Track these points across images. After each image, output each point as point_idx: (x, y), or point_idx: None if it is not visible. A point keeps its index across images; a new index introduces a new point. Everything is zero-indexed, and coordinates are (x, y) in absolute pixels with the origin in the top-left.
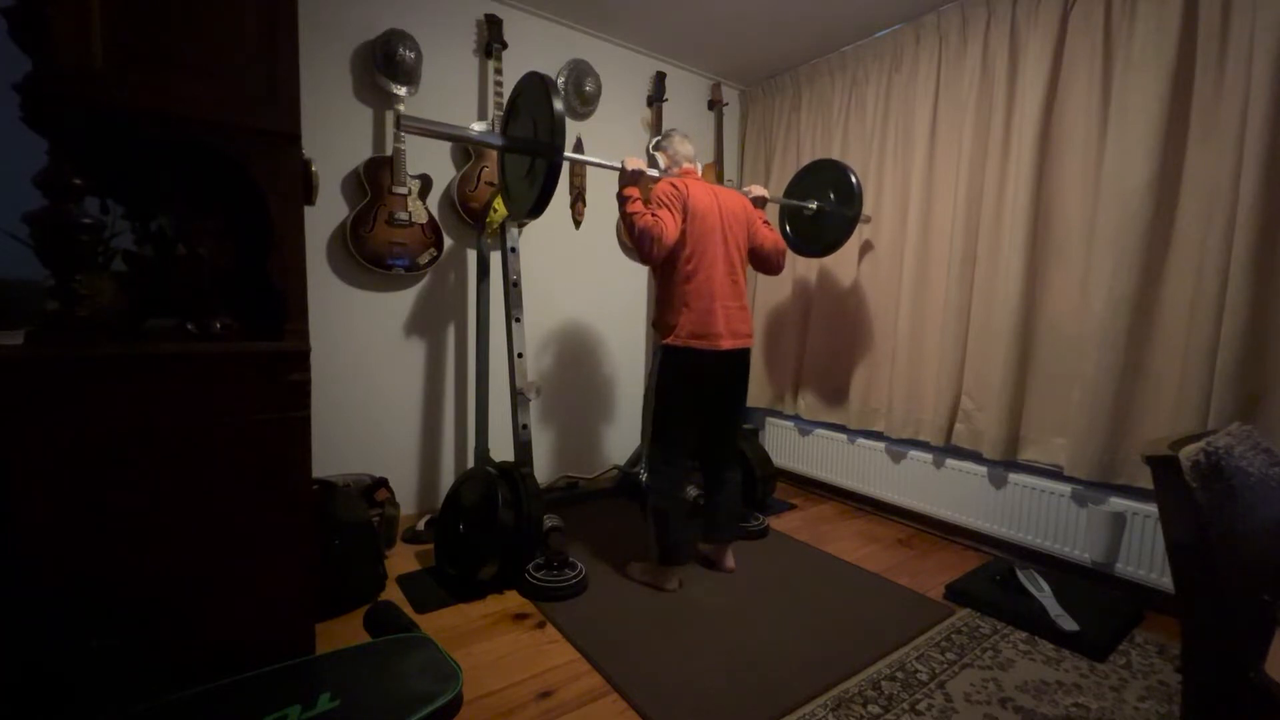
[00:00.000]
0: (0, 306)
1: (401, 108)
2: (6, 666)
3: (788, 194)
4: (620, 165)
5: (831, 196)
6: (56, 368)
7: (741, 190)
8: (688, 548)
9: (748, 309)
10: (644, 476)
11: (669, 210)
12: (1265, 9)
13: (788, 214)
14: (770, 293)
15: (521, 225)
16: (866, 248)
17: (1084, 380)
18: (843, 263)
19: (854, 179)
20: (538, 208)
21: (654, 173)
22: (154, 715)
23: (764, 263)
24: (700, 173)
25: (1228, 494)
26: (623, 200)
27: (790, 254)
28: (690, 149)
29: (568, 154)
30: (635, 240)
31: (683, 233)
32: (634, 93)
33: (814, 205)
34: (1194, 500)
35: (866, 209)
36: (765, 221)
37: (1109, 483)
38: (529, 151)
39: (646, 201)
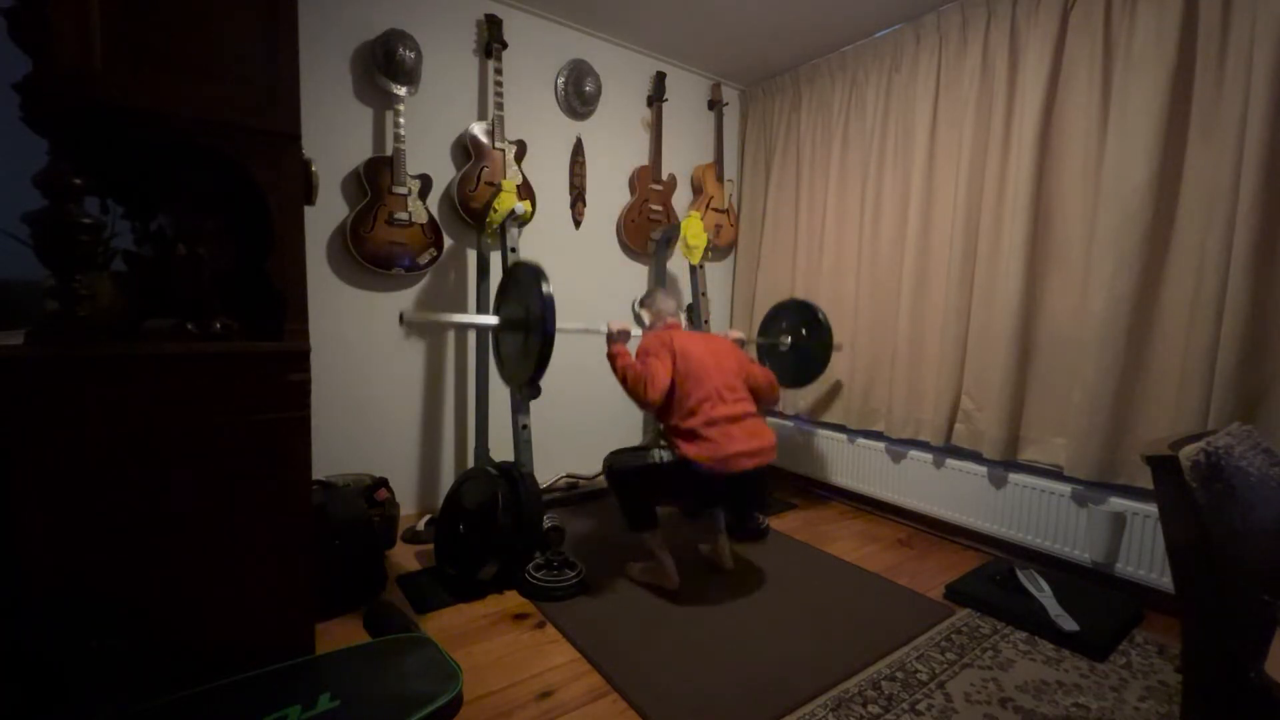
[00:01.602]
0: (0, 306)
1: (402, 107)
2: (6, 666)
3: (761, 333)
4: (606, 330)
5: (803, 333)
6: (56, 368)
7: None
8: (653, 510)
9: (764, 424)
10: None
11: (656, 357)
12: (1265, 9)
13: (764, 352)
14: (770, 292)
15: (522, 225)
16: (867, 246)
17: (1084, 380)
18: (843, 263)
19: (820, 315)
20: (535, 378)
21: (637, 332)
22: (154, 715)
23: (759, 396)
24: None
25: (1228, 494)
26: (612, 358)
27: (790, 253)
28: (673, 304)
29: (560, 326)
30: (631, 391)
31: (677, 373)
32: (634, 93)
33: (788, 341)
34: (1194, 500)
35: (867, 209)
36: (751, 360)
37: (1109, 483)
38: (524, 328)
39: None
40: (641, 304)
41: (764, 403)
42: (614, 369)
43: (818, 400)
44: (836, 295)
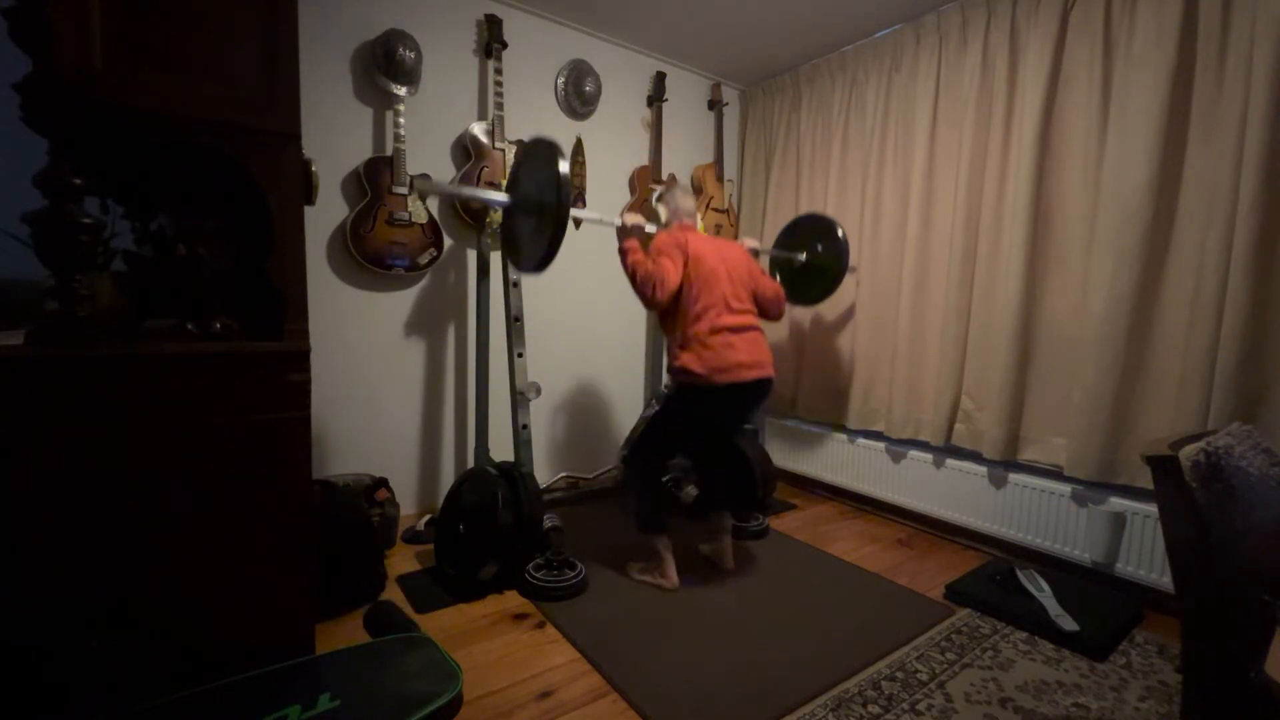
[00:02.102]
0: (0, 306)
1: (401, 107)
2: (6, 667)
3: (777, 245)
4: (619, 222)
5: (819, 249)
6: (56, 368)
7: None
8: (665, 516)
9: (765, 339)
10: (623, 453)
11: (668, 257)
12: (1265, 9)
13: (777, 265)
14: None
15: None
16: (867, 246)
17: (1084, 380)
18: None
19: (841, 232)
20: (544, 261)
21: (651, 228)
22: (154, 715)
23: (764, 308)
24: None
25: (1228, 494)
26: (623, 253)
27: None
28: (691, 204)
29: (574, 212)
30: (639, 288)
31: (686, 276)
32: (634, 93)
33: (802, 257)
34: (1194, 500)
35: (867, 209)
36: (762, 271)
37: (1109, 483)
38: (536, 210)
39: (646, 252)
40: (660, 199)
41: (768, 316)
42: (624, 264)
43: (818, 399)
44: (836, 295)
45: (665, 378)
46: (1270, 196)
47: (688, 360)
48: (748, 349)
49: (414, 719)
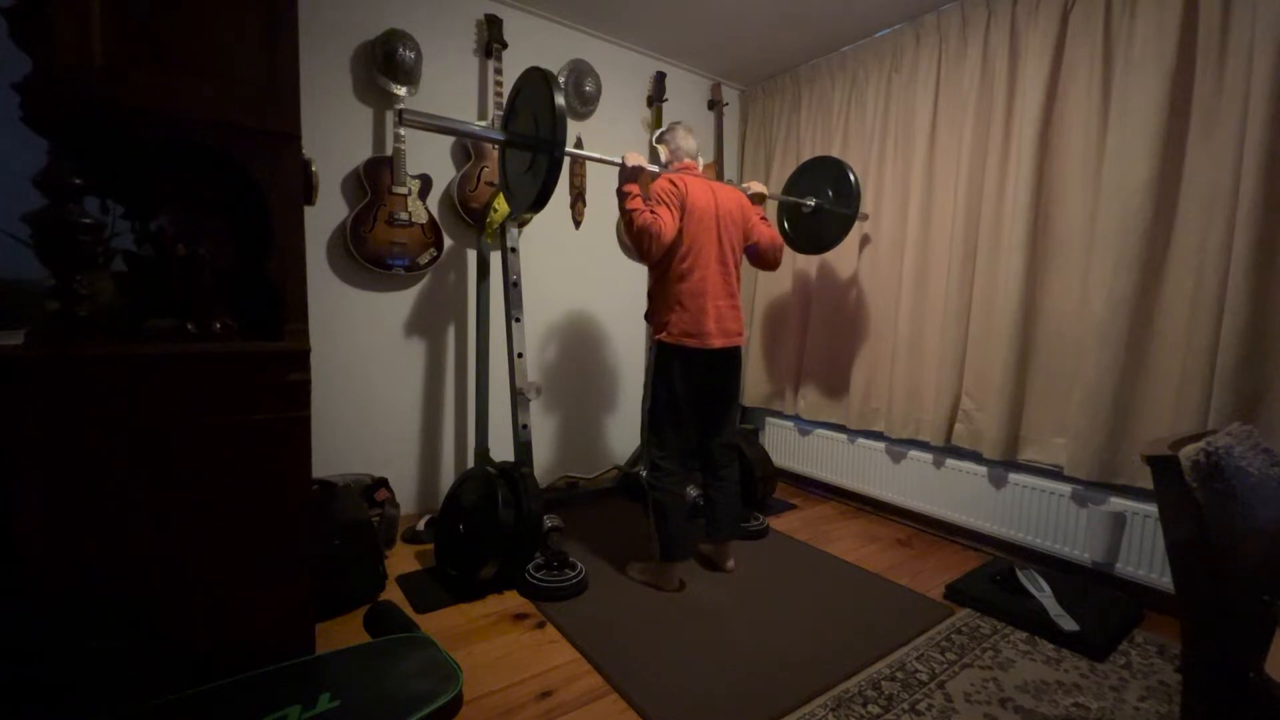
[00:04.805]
0: (0, 306)
1: (401, 107)
2: (6, 667)
3: (786, 190)
4: (620, 161)
5: (830, 194)
6: (57, 368)
7: (740, 187)
8: (688, 544)
9: (739, 308)
10: (644, 474)
11: (667, 208)
12: (1265, 9)
13: (786, 211)
14: (770, 291)
15: (522, 225)
16: (866, 245)
17: (1084, 380)
18: (843, 261)
19: (853, 177)
20: (539, 202)
21: (654, 168)
22: (154, 715)
23: (760, 258)
24: (701, 168)
25: (1228, 494)
26: (622, 196)
27: (790, 251)
28: (693, 144)
29: (569, 149)
30: (634, 237)
31: (679, 231)
32: (634, 93)
33: (812, 202)
34: (1194, 500)
35: (867, 210)
36: (763, 218)
37: (1109, 483)
38: (530, 146)
39: (646, 198)
40: (660, 139)
41: (764, 266)
42: (621, 208)
43: (818, 399)
44: (837, 295)
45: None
46: (1270, 196)
47: (665, 315)
48: (718, 317)
49: (414, 719)
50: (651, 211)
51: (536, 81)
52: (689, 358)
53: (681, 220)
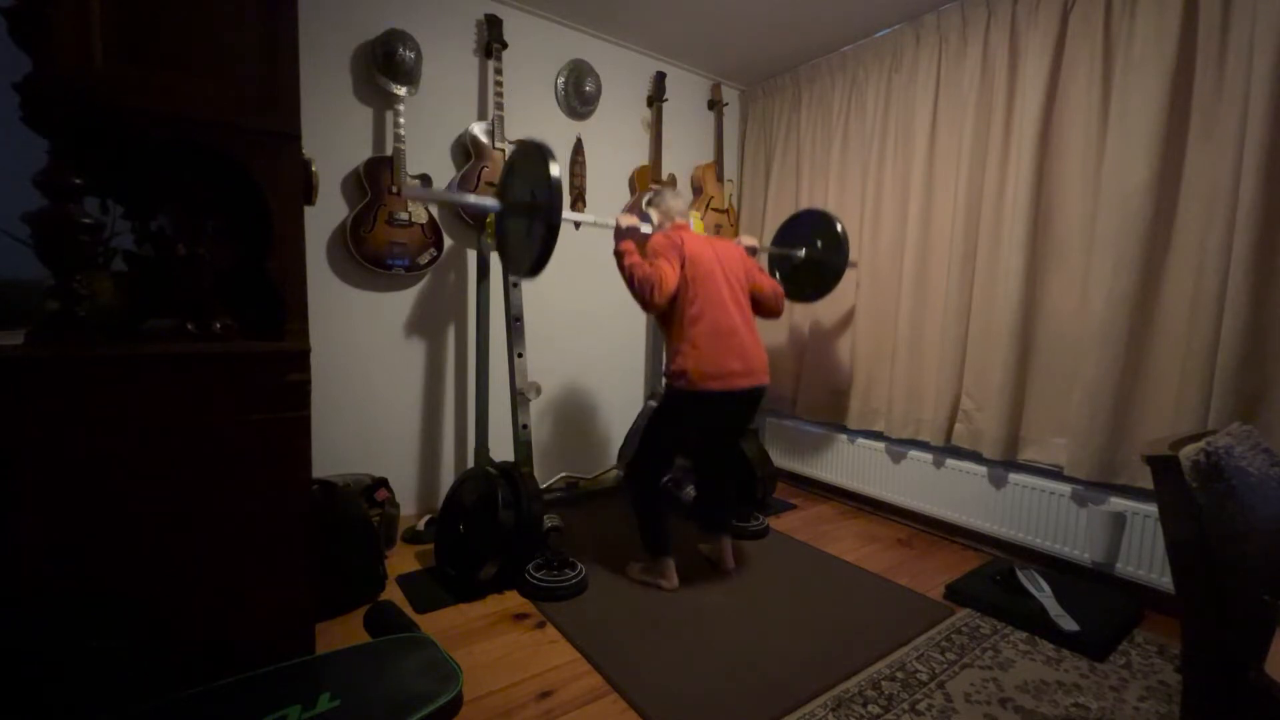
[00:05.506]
0: (0, 306)
1: (401, 107)
2: (6, 667)
3: (775, 242)
4: (614, 224)
5: (818, 245)
6: (56, 368)
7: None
8: (670, 535)
9: (761, 343)
10: (621, 472)
11: (665, 259)
12: (1265, 9)
13: (776, 262)
14: None
15: None
16: (866, 246)
17: (1084, 380)
18: None
19: (839, 227)
20: (536, 267)
21: (647, 228)
22: (154, 715)
23: (763, 306)
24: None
25: (1228, 494)
26: (619, 255)
27: None
28: (682, 204)
29: (566, 215)
30: (636, 289)
31: (683, 278)
32: (634, 93)
33: (802, 253)
34: (1194, 500)
35: (867, 209)
36: (760, 269)
37: (1109, 483)
38: (528, 214)
39: (643, 255)
40: (650, 204)
41: (768, 314)
42: (620, 267)
43: (818, 399)
44: (836, 292)
45: (663, 381)
46: (1270, 196)
47: (683, 363)
48: (742, 354)
49: (414, 719)
50: (650, 264)
51: (532, 153)
52: (709, 402)
53: (684, 268)
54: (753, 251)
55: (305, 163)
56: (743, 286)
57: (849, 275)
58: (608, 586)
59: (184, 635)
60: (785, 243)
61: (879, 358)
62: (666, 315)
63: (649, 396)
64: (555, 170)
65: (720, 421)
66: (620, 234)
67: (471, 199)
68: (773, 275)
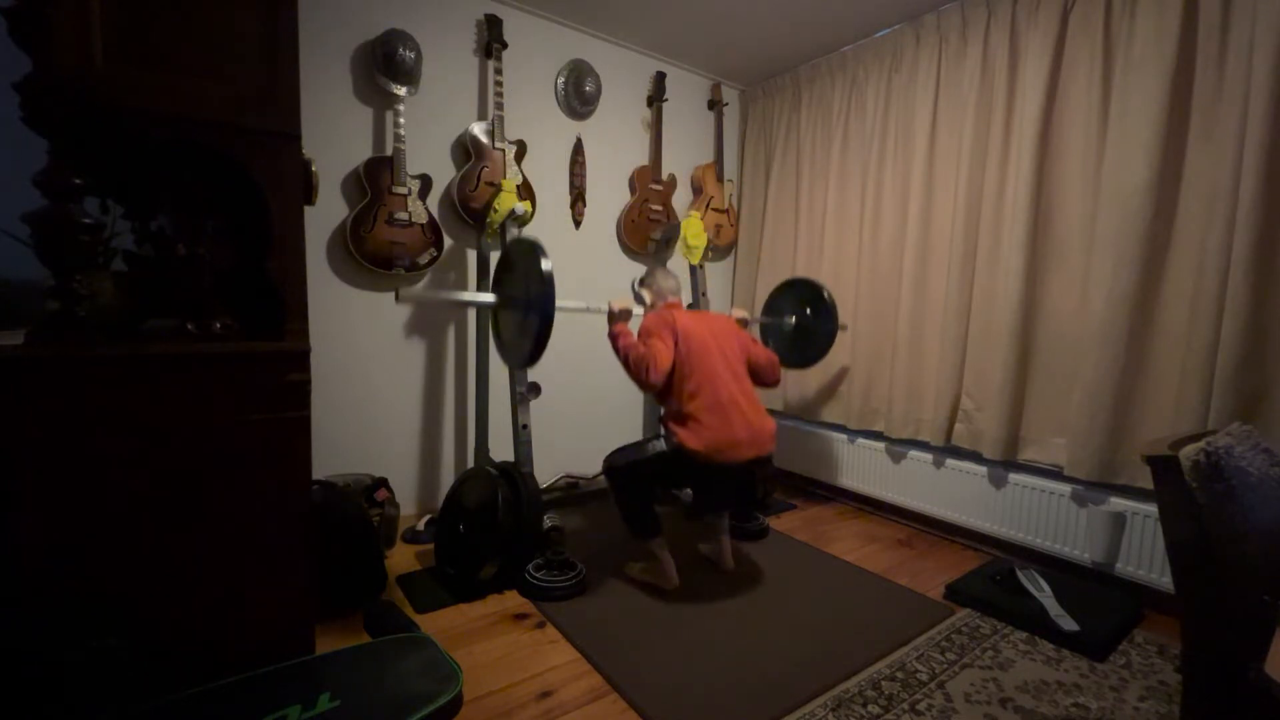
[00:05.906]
0: (0, 306)
1: (401, 107)
2: (6, 667)
3: (765, 312)
4: (607, 308)
5: (808, 312)
6: (56, 368)
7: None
8: (655, 516)
9: (764, 411)
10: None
11: (659, 338)
12: (1265, 9)
13: (769, 331)
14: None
15: (522, 224)
16: (866, 247)
17: (1084, 380)
18: (842, 262)
19: (826, 294)
20: (532, 358)
21: (639, 310)
22: (154, 715)
23: (760, 376)
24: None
25: (1228, 494)
26: (614, 337)
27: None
28: (674, 283)
29: (560, 304)
30: (633, 370)
31: (678, 355)
32: (634, 93)
33: (792, 321)
34: (1194, 500)
35: (867, 209)
36: (754, 340)
37: (1109, 483)
38: (523, 307)
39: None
40: (641, 284)
41: (765, 384)
42: (615, 349)
43: (817, 399)
44: (836, 295)
45: (662, 432)
46: (1270, 196)
47: (685, 438)
48: (746, 423)
49: (414, 719)
50: (644, 344)
51: (525, 250)
52: (717, 470)
53: (677, 345)
54: (744, 323)
55: (305, 163)
56: (738, 358)
57: (849, 279)
58: (608, 586)
59: (184, 635)
60: (774, 311)
61: (879, 358)
62: (665, 392)
63: (655, 436)
64: (547, 265)
65: (722, 483)
66: (614, 317)
67: (466, 296)
68: (766, 345)
